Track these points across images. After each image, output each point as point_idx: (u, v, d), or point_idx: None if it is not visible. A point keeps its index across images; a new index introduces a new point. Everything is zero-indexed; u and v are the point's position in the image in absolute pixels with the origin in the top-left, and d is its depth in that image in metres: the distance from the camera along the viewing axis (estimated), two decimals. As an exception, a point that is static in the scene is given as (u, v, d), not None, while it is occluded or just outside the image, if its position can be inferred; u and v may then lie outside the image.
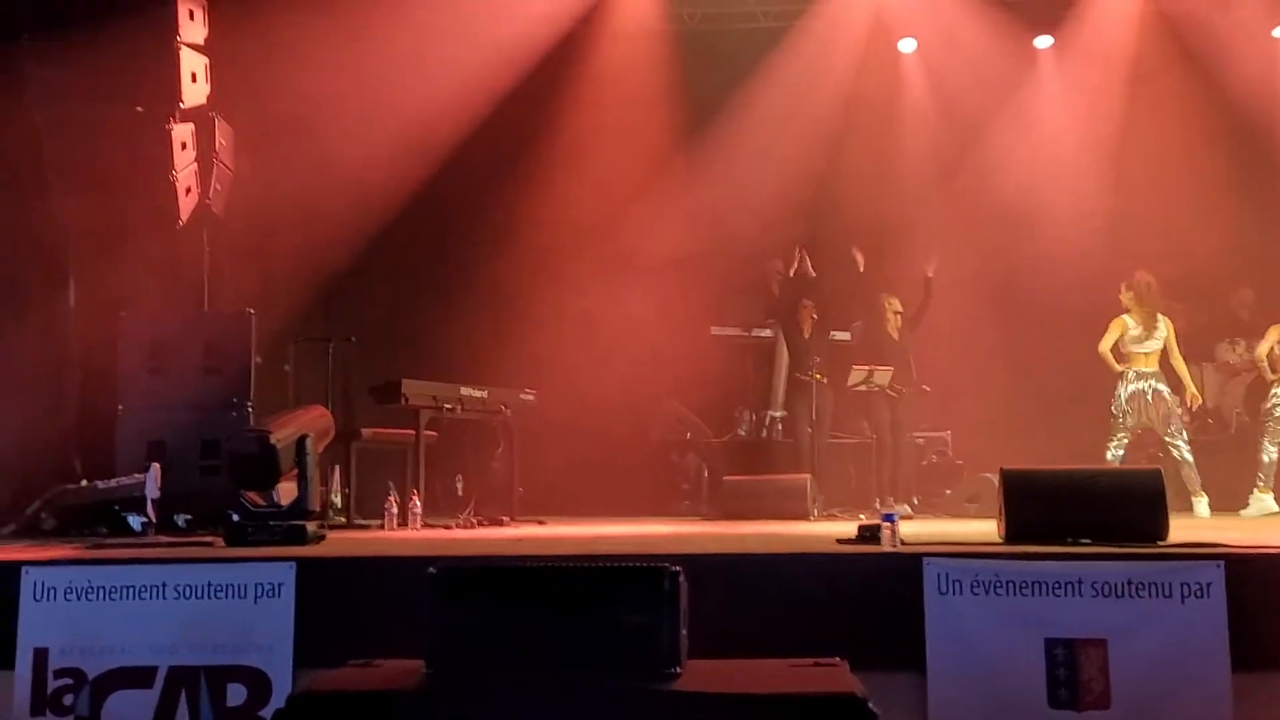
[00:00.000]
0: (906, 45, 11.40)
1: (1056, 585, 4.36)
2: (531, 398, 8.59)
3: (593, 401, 9.98)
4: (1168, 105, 10.27)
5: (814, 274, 9.53)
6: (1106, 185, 10.42)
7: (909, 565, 4.49)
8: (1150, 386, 8.41)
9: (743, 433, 10.32)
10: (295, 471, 5.60)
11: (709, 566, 4.56)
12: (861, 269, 9.53)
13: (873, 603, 4.50)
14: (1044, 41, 11.29)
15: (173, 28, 6.93)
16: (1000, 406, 10.07)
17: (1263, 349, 8.72)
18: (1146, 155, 10.17)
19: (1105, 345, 8.52)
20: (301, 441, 5.63)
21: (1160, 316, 8.48)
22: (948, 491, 9.17)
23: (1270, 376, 8.66)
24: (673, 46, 11.06)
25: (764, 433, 10.08)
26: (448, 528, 7.25)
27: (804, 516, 8.11)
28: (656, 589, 3.37)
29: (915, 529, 6.56)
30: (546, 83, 10.62)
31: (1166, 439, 8.49)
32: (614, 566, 3.52)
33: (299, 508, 5.54)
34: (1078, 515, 4.89)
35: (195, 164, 7.33)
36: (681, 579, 3.49)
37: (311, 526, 5.44)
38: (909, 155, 11.03)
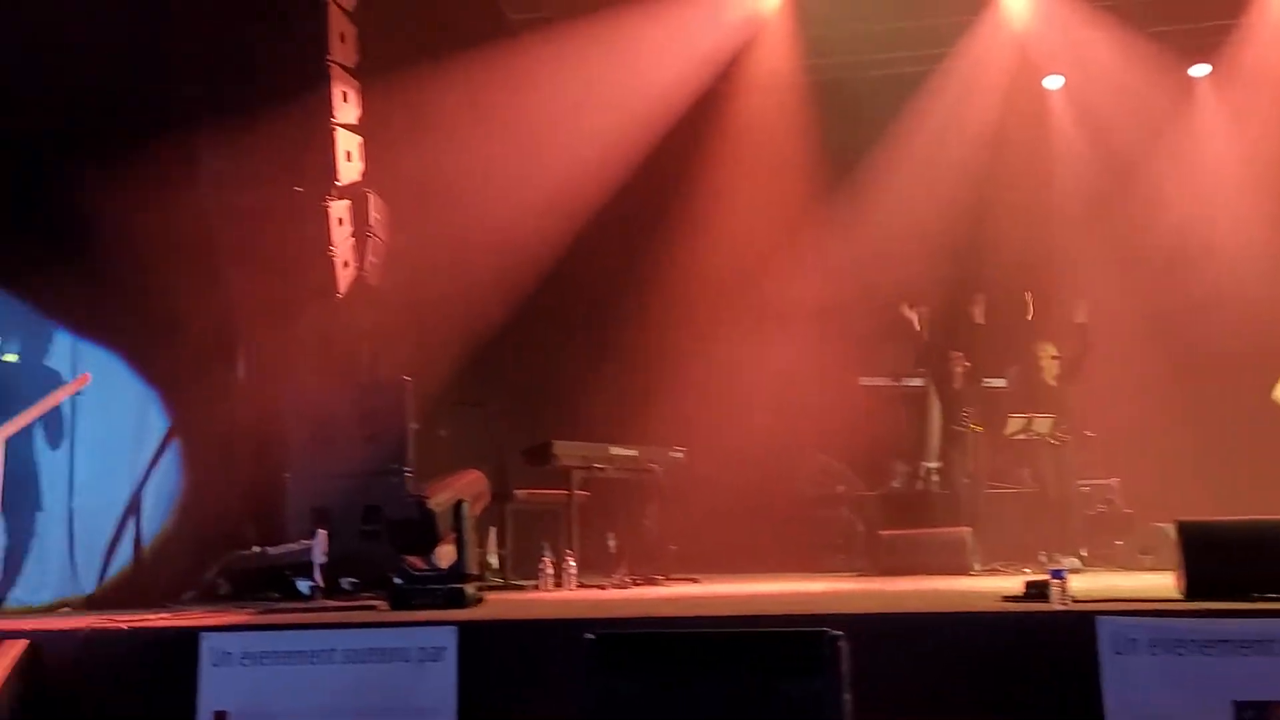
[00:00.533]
0: (1053, 82, 11.16)
1: (1244, 644, 4.12)
2: (681, 455, 8.60)
3: (741, 456, 9.94)
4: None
5: (982, 321, 9.31)
6: (1274, 218, 9.95)
7: (1081, 624, 4.29)
8: None
9: (897, 485, 10.10)
10: (453, 535, 5.71)
11: (869, 627, 4.43)
12: (1030, 315, 9.28)
13: (1043, 664, 4.32)
14: (1200, 70, 10.91)
15: (328, 110, 7.26)
16: (1169, 451, 9.65)
17: None
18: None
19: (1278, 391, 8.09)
20: (458, 506, 5.76)
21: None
22: (1118, 543, 8.78)
23: None
24: (810, 96, 11.07)
25: (919, 484, 9.84)
26: (602, 587, 7.28)
27: (965, 571, 7.86)
28: (817, 654, 3.33)
29: (1085, 584, 6.27)
30: (685, 140, 10.75)
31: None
32: (772, 632, 3.49)
33: (458, 570, 5.65)
34: (1263, 569, 4.62)
35: (351, 238, 7.62)
36: (842, 643, 3.42)
37: (470, 589, 5.53)
38: (1060, 194, 10.79)
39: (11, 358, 6.22)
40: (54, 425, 6.92)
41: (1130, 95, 10.48)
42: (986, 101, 10.85)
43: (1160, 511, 8.08)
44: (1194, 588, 4.74)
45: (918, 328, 9.36)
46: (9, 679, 4.52)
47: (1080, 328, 9.10)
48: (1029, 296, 9.27)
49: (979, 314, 9.29)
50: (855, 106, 10.89)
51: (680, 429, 9.27)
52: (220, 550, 7.04)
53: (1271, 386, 8.15)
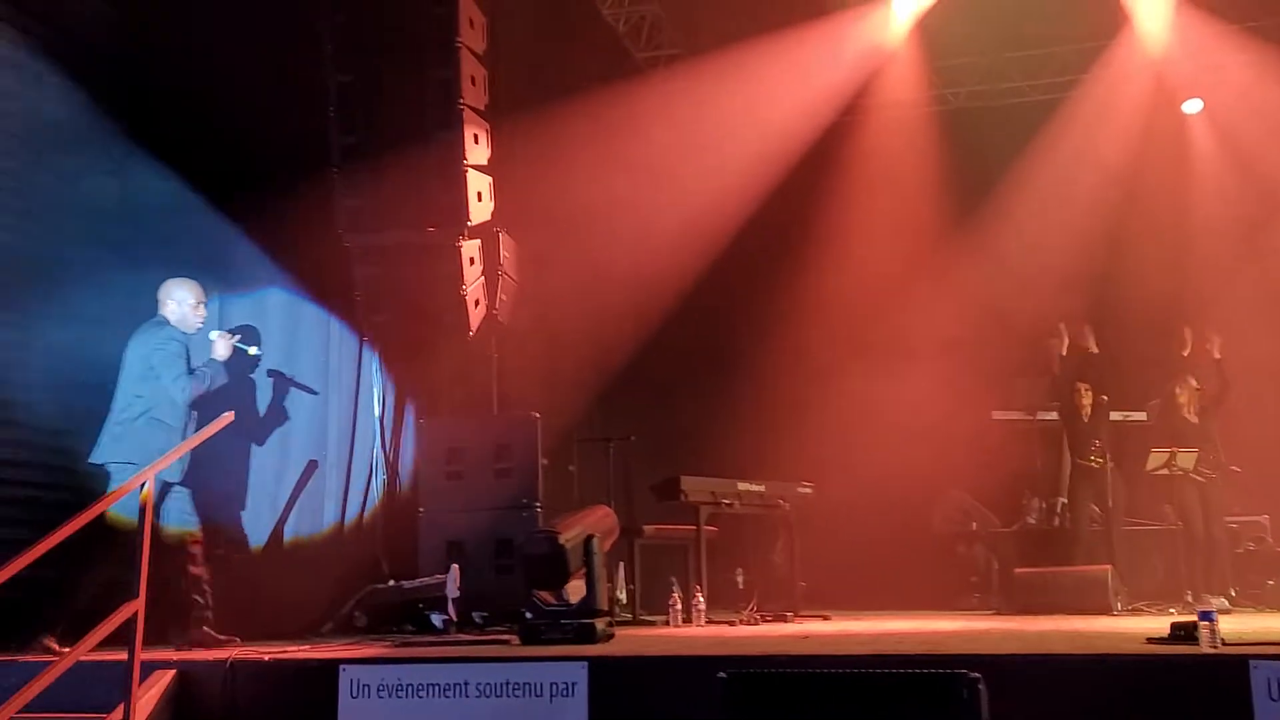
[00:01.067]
0: (1192, 106, 10.84)
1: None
2: (809, 490, 8.53)
3: (872, 492, 9.83)
4: None
5: (1095, 350, 9.06)
6: None
7: (1233, 668, 4.11)
8: None
9: (1032, 521, 9.84)
10: (583, 570, 5.77)
11: (1007, 668, 4.34)
12: (1188, 350, 8.99)
13: (1193, 710, 4.14)
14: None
15: (459, 152, 7.46)
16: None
17: None
18: None
19: None
20: (588, 541, 5.81)
21: None
22: (1270, 582, 8.39)
23: None
24: (940, 126, 10.97)
25: (1056, 521, 9.57)
26: (731, 623, 7.25)
27: (1106, 611, 7.61)
28: (956, 698, 3.27)
29: (1236, 625, 6.03)
30: (814, 171, 10.76)
31: None
32: (910, 674, 3.43)
33: (588, 606, 5.69)
34: None
35: (482, 278, 7.79)
36: (981, 686, 3.35)
37: (600, 624, 5.57)
38: (1203, 223, 10.40)
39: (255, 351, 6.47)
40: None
41: (1276, 116, 10.11)
42: (1122, 129, 10.62)
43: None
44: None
45: (1064, 353, 9.12)
46: (158, 708, 4.72)
47: (1218, 363, 8.77)
48: (1187, 331, 8.97)
49: (1092, 344, 9.02)
50: (985, 136, 10.78)
51: (811, 464, 9.21)
52: (357, 584, 7.24)
53: None
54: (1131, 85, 10.57)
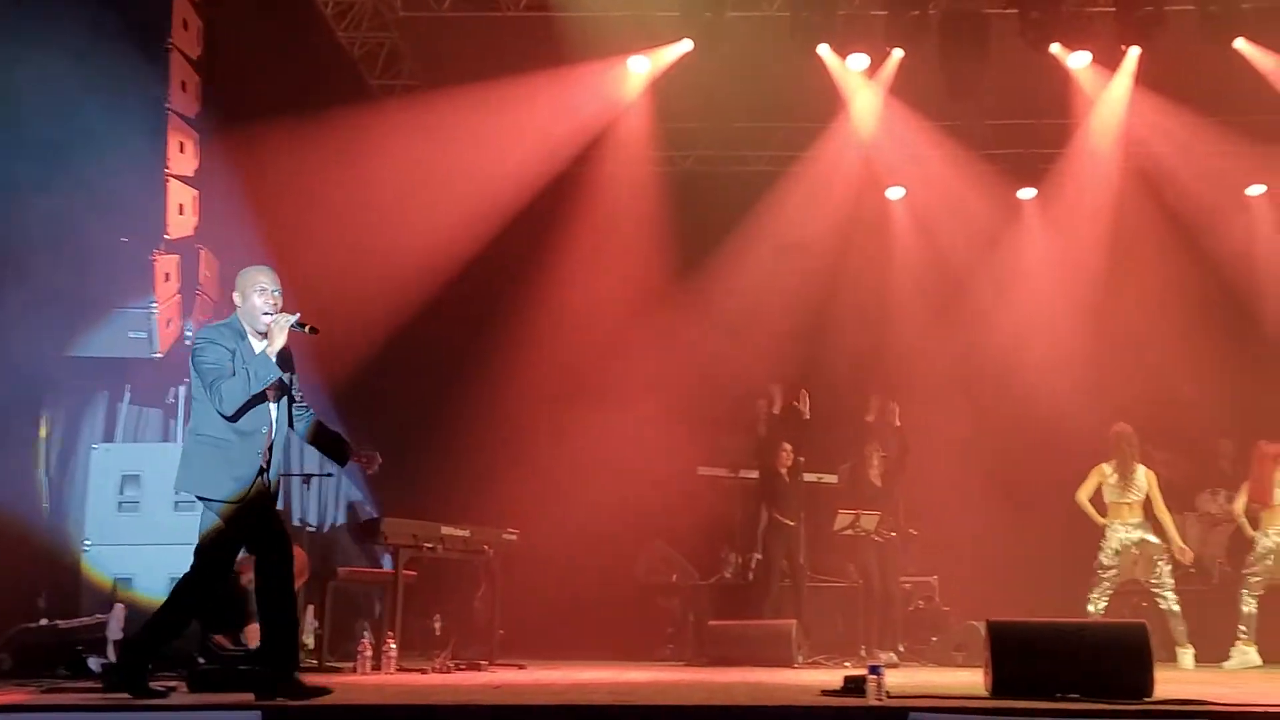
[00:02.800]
0: (895, 193, 11.65)
1: (1036, 742, 4.23)
2: (514, 537, 8.45)
3: (578, 541, 9.89)
4: (1149, 259, 10.43)
5: (808, 415, 9.47)
6: (1090, 334, 10.51)
7: (895, 718, 4.34)
8: (1137, 537, 8.34)
9: (728, 575, 10.15)
10: (268, 613, 5.42)
11: (691, 719, 4.42)
12: (872, 416, 9.50)
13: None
14: (1027, 193, 11.56)
15: (162, 160, 7.00)
16: (988, 552, 9.96)
17: (1239, 504, 8.72)
18: (1129, 307, 10.30)
19: (1083, 494, 8.48)
20: (274, 581, 5.47)
21: (1140, 467, 8.44)
22: (934, 639, 8.98)
23: (1249, 533, 8.63)
24: (668, 185, 11.28)
25: (750, 575, 9.90)
26: (423, 671, 7.04)
27: (789, 664, 7.91)
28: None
29: (901, 679, 6.39)
30: (542, 217, 10.80)
31: (1154, 590, 8.39)
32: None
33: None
34: (1065, 669, 4.78)
35: (178, 295, 7.33)
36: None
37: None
38: (898, 301, 11.17)
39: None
40: None
41: (964, 211, 11.01)
42: (834, 205, 11.24)
43: (976, 609, 8.33)
44: (1000, 685, 4.85)
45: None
46: None
47: (898, 430, 9.38)
48: (874, 400, 9.51)
49: (805, 409, 9.48)
50: (711, 199, 11.12)
51: (519, 512, 9.15)
52: (6, 624, 6.53)
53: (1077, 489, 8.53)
54: (844, 167, 11.23)
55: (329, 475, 8.23)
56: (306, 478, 7.93)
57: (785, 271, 10.92)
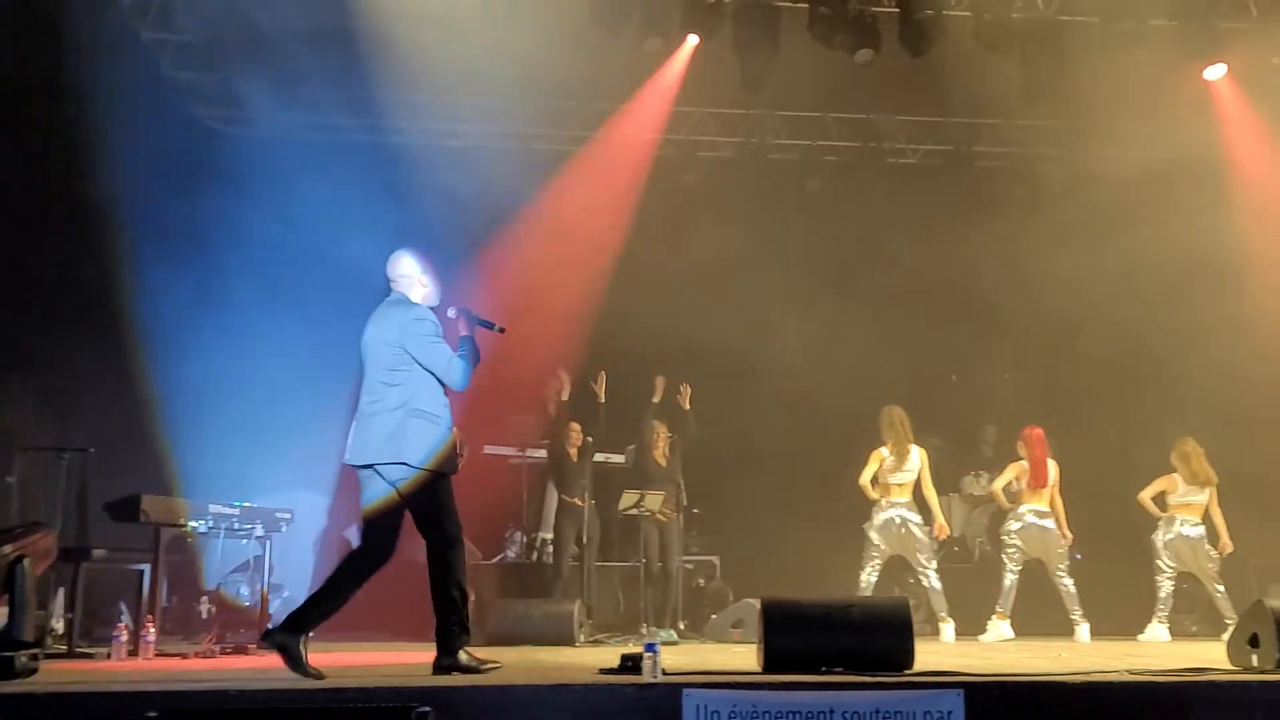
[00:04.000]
0: (690, 176, 11.76)
1: (810, 714, 4.36)
2: (289, 516, 8.14)
3: (355, 519, 9.59)
4: (916, 249, 10.86)
5: (603, 398, 9.49)
6: (861, 322, 10.87)
7: (669, 696, 4.40)
8: (902, 515, 8.75)
9: (512, 555, 10.10)
10: (7, 595, 5.07)
11: (466, 700, 4.37)
12: (658, 397, 9.60)
13: (633, 735, 4.40)
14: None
15: None
16: (769, 531, 10.26)
17: (999, 484, 9.29)
18: (896, 296, 10.75)
19: (865, 477, 8.87)
20: (17, 563, 5.11)
21: (914, 447, 8.87)
22: (713, 617, 9.19)
23: (1007, 507, 9.20)
24: (453, 160, 11.01)
25: (534, 555, 9.89)
26: (184, 656, 6.70)
27: (570, 643, 7.94)
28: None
29: (679, 657, 6.51)
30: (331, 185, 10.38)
31: (917, 566, 8.84)
32: (355, 707, 3.28)
33: (9, 636, 5.00)
34: (832, 644, 4.94)
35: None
36: (432, 718, 3.27)
37: (22, 657, 4.90)
38: (686, 283, 11.26)
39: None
40: None
41: (750, 199, 11.24)
42: (626, 186, 11.25)
43: (758, 587, 8.54)
44: (772, 661, 4.99)
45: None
46: None
47: (685, 412, 9.54)
48: (660, 380, 9.60)
49: (601, 391, 9.52)
50: (501, 174, 10.90)
51: (295, 488, 8.83)
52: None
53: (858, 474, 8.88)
54: (637, 149, 11.27)
55: (88, 451, 7.72)
56: (60, 451, 7.41)
57: (573, 251, 10.85)
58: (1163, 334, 10.46)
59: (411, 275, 5.46)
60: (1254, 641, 5.28)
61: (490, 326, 5.53)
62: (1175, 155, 10.66)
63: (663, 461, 9.52)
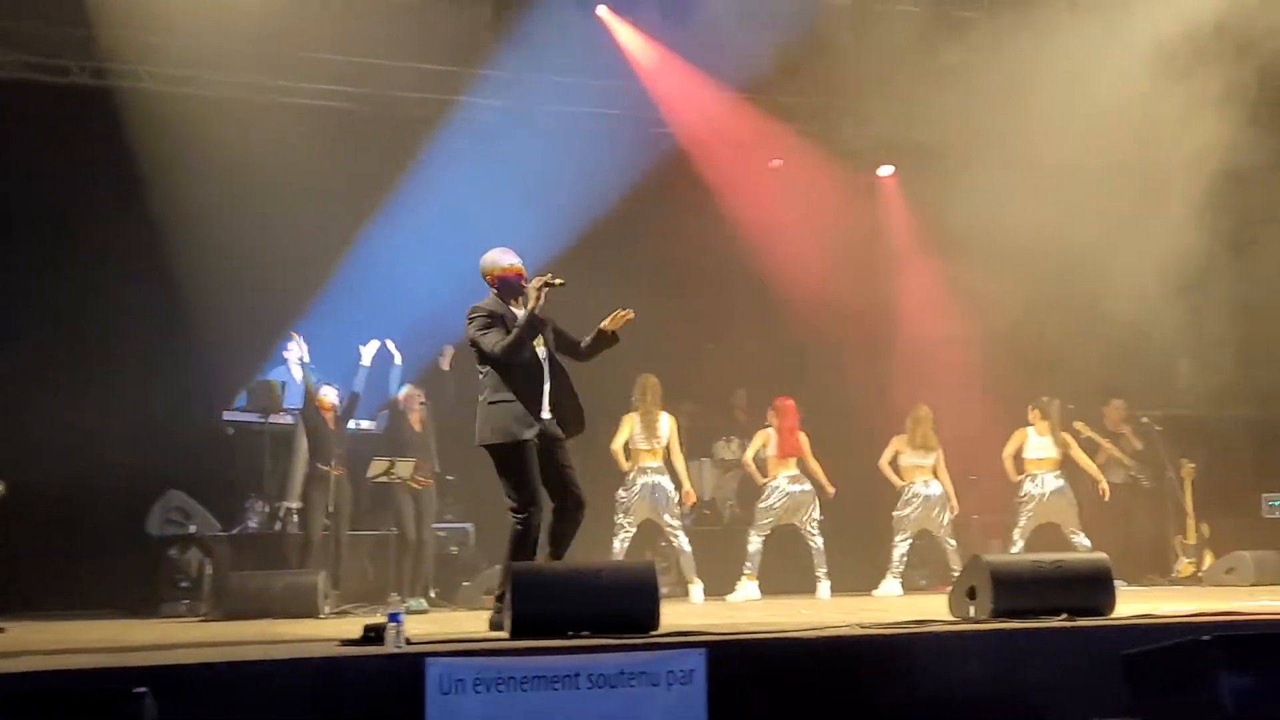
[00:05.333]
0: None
1: (556, 679, 4.38)
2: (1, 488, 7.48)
3: (83, 491, 9.05)
4: (680, 221, 11.04)
5: (367, 363, 9.15)
6: (620, 285, 10.92)
7: (412, 666, 4.30)
8: (652, 481, 8.89)
9: (254, 525, 9.65)
10: None
11: (193, 679, 4.13)
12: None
13: (376, 708, 4.28)
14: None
15: None
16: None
17: (749, 454, 9.59)
18: (654, 263, 10.88)
19: (617, 443, 8.96)
20: None
21: (663, 414, 9.02)
22: (465, 584, 9.09)
23: (760, 480, 9.51)
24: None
25: (277, 525, 9.48)
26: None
27: (314, 614, 7.67)
28: (120, 713, 2.94)
29: (428, 625, 6.40)
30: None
31: (667, 530, 9.02)
32: (66, 691, 3.04)
33: None
34: (580, 608, 4.95)
35: None
36: (149, 700, 3.06)
37: None
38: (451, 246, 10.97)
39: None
40: None
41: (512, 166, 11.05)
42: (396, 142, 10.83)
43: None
44: (519, 627, 4.95)
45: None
46: None
47: (448, 376, 9.38)
48: (389, 343, 9.38)
49: (366, 357, 9.21)
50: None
51: (21, 456, 8.19)
52: None
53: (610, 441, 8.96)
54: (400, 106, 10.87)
55: None
56: None
57: (328, 210, 10.39)
58: (902, 305, 11.01)
59: (482, 273, 6.10)
60: (972, 594, 5.63)
61: (551, 285, 5.90)
62: (917, 136, 11.21)
63: (418, 427, 9.32)
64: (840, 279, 10.72)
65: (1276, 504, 11.17)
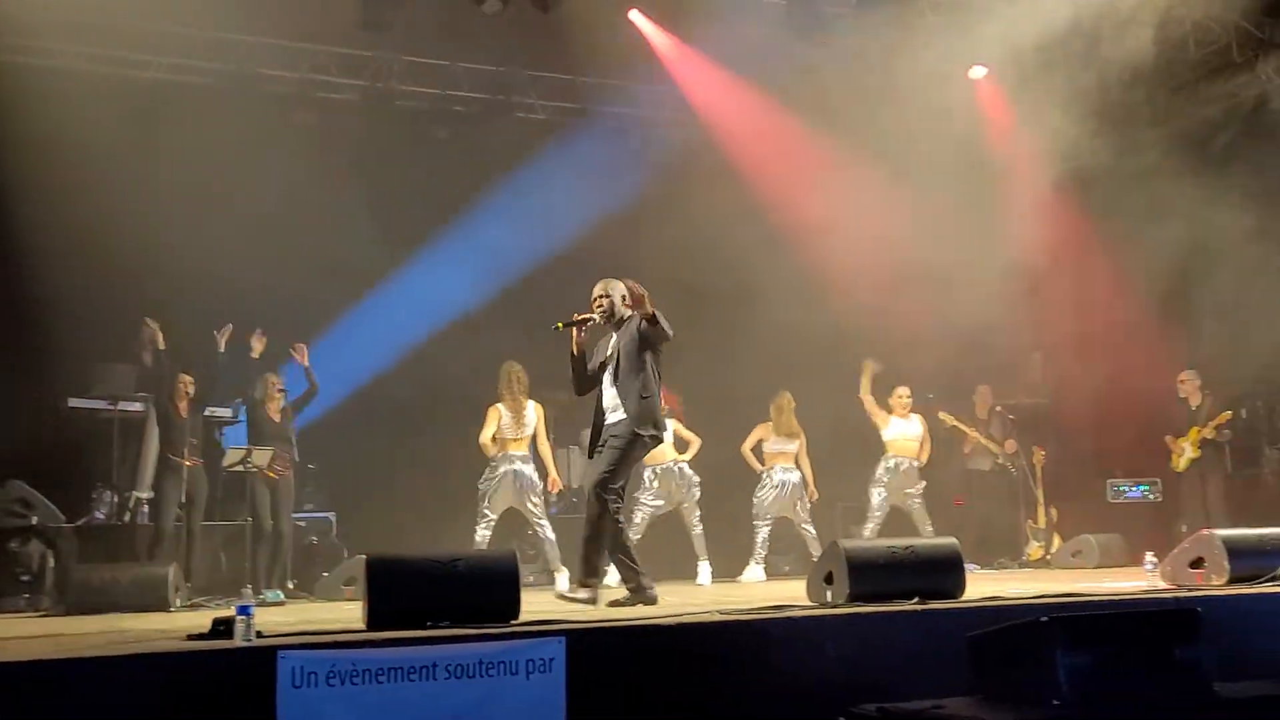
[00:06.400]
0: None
1: (413, 671, 4.30)
2: None
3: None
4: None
5: (222, 349, 8.83)
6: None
7: (263, 660, 4.18)
8: (517, 470, 8.83)
9: (101, 516, 9.27)
10: None
11: (22, 676, 3.93)
12: (257, 354, 9.08)
13: (225, 704, 4.13)
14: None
15: None
16: (390, 487, 10.03)
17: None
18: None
19: (485, 435, 8.85)
20: None
21: (530, 403, 8.95)
22: (325, 575, 8.89)
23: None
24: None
25: (126, 516, 9.12)
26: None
27: (165, 608, 7.40)
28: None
29: (283, 617, 6.24)
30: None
31: (532, 518, 8.97)
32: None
33: None
34: (439, 598, 4.88)
35: None
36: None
37: None
38: (305, 230, 10.70)
39: None
40: None
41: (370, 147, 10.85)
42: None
43: (372, 545, 8.30)
44: (377, 618, 4.85)
45: (161, 346, 8.65)
46: None
47: (307, 370, 9.15)
48: (257, 335, 9.10)
49: (222, 342, 8.92)
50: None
51: None
52: None
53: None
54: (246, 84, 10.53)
55: None
56: None
57: (166, 190, 9.94)
58: (768, 294, 11.08)
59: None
60: (829, 579, 5.74)
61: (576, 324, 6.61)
62: (779, 123, 11.35)
63: (276, 417, 9.07)
64: (699, 262, 10.82)
65: (1120, 489, 11.71)
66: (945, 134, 9.54)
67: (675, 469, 9.38)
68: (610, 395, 6.54)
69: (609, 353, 6.62)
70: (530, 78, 11.58)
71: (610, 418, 6.51)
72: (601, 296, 6.66)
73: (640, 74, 10.85)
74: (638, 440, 6.42)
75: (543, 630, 4.59)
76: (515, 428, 8.84)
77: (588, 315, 6.62)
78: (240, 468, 8.65)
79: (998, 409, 11.48)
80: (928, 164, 9.55)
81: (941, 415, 10.77)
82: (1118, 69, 9.32)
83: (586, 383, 6.69)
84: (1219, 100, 11.90)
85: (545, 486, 8.96)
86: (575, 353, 6.59)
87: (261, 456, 8.65)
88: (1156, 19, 9.23)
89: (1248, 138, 11.23)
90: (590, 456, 6.64)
